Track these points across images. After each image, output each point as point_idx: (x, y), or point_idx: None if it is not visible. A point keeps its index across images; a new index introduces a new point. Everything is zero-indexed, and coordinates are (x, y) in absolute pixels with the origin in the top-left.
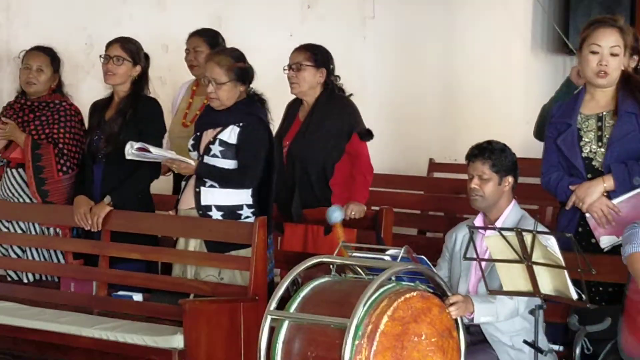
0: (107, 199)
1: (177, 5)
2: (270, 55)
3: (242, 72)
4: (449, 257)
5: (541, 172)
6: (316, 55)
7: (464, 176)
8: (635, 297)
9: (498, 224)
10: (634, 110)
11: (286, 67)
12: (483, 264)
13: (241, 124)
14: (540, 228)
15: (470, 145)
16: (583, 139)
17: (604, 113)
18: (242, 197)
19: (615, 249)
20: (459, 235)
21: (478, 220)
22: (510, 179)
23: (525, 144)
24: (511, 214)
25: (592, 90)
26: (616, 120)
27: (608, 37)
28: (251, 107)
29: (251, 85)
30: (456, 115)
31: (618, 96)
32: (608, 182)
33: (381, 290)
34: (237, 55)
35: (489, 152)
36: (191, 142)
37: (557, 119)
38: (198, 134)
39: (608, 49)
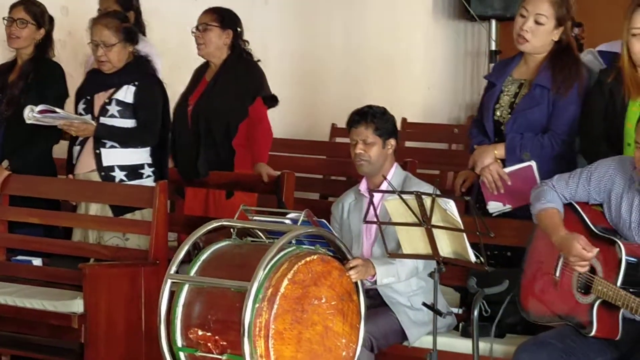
0: (5, 162)
1: None
2: (174, 20)
3: (130, 32)
4: (339, 227)
5: (469, 125)
6: (222, 17)
7: None
8: (535, 256)
9: (383, 187)
10: (547, 84)
11: (194, 29)
12: (372, 229)
13: (136, 83)
14: (434, 190)
15: None
16: (500, 101)
17: (525, 80)
18: (143, 156)
19: (505, 215)
20: (346, 203)
21: (362, 186)
22: (392, 141)
23: (426, 108)
24: (395, 176)
25: (526, 55)
26: (529, 90)
27: (538, 3)
28: (143, 67)
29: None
30: (359, 81)
31: (540, 66)
32: (499, 150)
33: (281, 253)
34: (122, 17)
35: (371, 116)
36: (82, 106)
37: (489, 76)
38: (88, 97)
39: (534, 16)
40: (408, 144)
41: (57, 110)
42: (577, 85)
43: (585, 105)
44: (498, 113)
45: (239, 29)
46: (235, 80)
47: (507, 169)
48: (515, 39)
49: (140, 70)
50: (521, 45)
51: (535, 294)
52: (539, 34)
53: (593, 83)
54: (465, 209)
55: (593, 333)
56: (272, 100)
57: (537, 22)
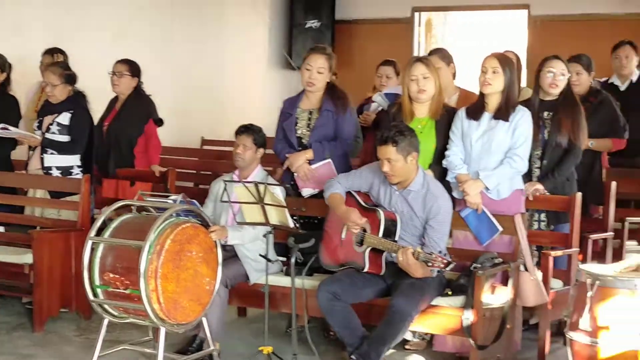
0: None
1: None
2: (93, 64)
3: (69, 77)
4: (214, 199)
5: (274, 142)
6: (132, 67)
7: (225, 148)
8: (330, 225)
9: (250, 179)
10: (332, 109)
11: (111, 72)
12: (236, 205)
13: (71, 111)
14: (271, 180)
15: (228, 128)
16: (298, 124)
17: (313, 109)
18: (73, 160)
19: (314, 196)
20: (221, 185)
21: (235, 176)
22: (261, 150)
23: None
24: (258, 173)
25: (308, 94)
26: (320, 115)
27: (316, 60)
28: (77, 100)
29: (76, 85)
30: (219, 108)
31: (323, 99)
32: (309, 154)
33: (166, 222)
34: (65, 66)
35: (252, 130)
36: (36, 124)
37: (285, 109)
38: (41, 118)
39: (316, 68)
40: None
41: (11, 128)
42: (349, 109)
43: (377, 127)
44: (299, 132)
45: (141, 75)
46: (136, 109)
47: (314, 166)
48: (305, 84)
49: (75, 103)
50: (310, 88)
51: (331, 250)
52: (321, 79)
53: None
54: (287, 193)
55: (366, 270)
56: (160, 121)
57: (318, 72)
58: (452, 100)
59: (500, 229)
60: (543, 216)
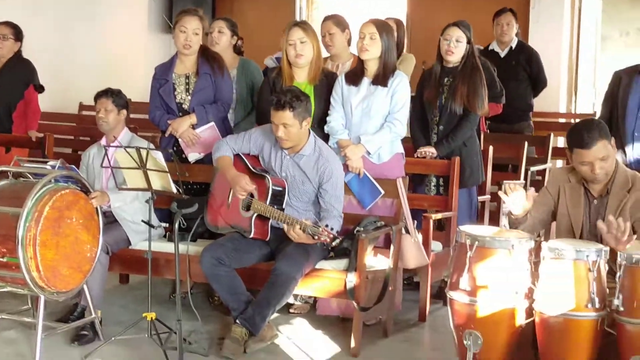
0: None
1: None
2: None
3: None
4: (85, 168)
5: (149, 110)
6: (16, 31)
7: None
8: (216, 187)
9: (115, 143)
10: (209, 72)
11: None
12: (108, 170)
13: None
14: (142, 143)
15: None
16: (176, 90)
17: (190, 73)
18: None
19: (199, 161)
20: (91, 152)
21: (103, 141)
22: (124, 111)
23: (143, 91)
24: (125, 135)
25: (181, 57)
26: (198, 78)
27: (191, 22)
28: None
29: None
30: (99, 74)
31: (198, 62)
32: (193, 119)
33: (44, 188)
34: None
35: (111, 93)
36: None
37: (158, 76)
38: None
39: (192, 30)
40: (134, 116)
41: None
42: (226, 71)
43: (258, 92)
44: (179, 97)
45: (23, 40)
46: (16, 73)
47: (198, 130)
48: (182, 47)
49: None
50: (186, 50)
51: (217, 212)
52: (196, 41)
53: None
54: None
55: (252, 235)
56: (41, 87)
57: (194, 34)
58: (346, 66)
59: (382, 192)
60: (442, 181)
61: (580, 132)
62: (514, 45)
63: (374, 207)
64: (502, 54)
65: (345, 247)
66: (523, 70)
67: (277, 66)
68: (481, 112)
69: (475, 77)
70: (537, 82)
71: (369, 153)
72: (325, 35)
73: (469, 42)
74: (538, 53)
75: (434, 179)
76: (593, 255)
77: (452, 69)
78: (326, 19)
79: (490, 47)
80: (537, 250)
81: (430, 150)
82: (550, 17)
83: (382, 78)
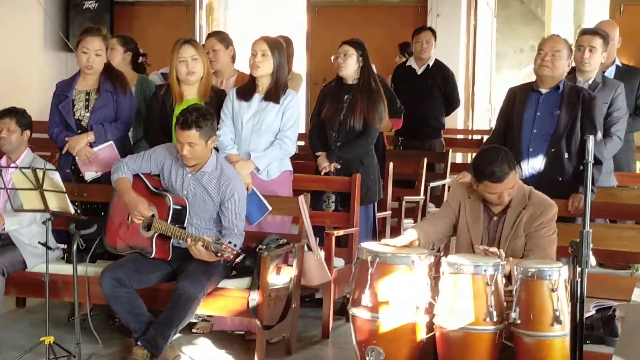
0: None
1: None
2: None
3: None
4: None
5: (49, 126)
6: None
7: None
8: (115, 207)
9: (17, 163)
10: (111, 89)
11: None
12: (9, 190)
13: None
14: (50, 167)
15: None
16: (75, 106)
17: (90, 90)
18: None
19: (97, 180)
20: None
21: (3, 161)
22: (27, 132)
23: (39, 110)
24: (26, 156)
25: (85, 75)
26: (98, 95)
27: (93, 42)
28: None
29: None
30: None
31: (100, 79)
32: (90, 136)
33: None
34: None
35: (15, 113)
36: None
37: (59, 91)
38: None
39: (94, 51)
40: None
41: None
42: (128, 89)
43: (147, 110)
44: (77, 114)
45: None
46: None
47: (96, 148)
48: (84, 68)
49: None
50: (89, 71)
51: (115, 233)
52: (99, 62)
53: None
54: (68, 178)
55: (153, 255)
56: None
57: (96, 55)
58: (230, 82)
59: (270, 208)
60: (340, 197)
61: (491, 167)
62: (431, 64)
63: (264, 223)
64: (419, 71)
65: (247, 265)
66: (438, 89)
67: (164, 83)
68: (381, 127)
69: (373, 93)
70: (451, 101)
71: (258, 169)
72: (209, 52)
73: (363, 58)
74: (454, 73)
75: (333, 196)
76: (491, 270)
77: (351, 85)
78: (210, 35)
79: (408, 64)
80: (437, 265)
81: (324, 164)
82: (447, 35)
83: (273, 94)
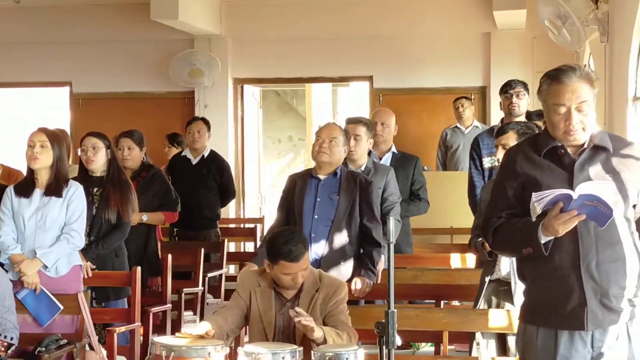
0: None
1: None
2: None
3: None
4: None
5: None
6: None
7: None
8: None
9: None
10: None
11: None
12: None
13: None
14: None
15: None
16: None
17: None
18: None
19: None
20: None
21: None
22: None
23: None
24: None
25: None
26: None
27: None
28: None
29: None
30: None
31: None
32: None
33: None
34: None
35: None
36: None
37: None
38: None
39: None
40: None
41: None
42: None
43: None
44: None
45: None
46: None
47: None
48: None
49: None
50: None
51: None
52: None
53: None
54: None
55: None
56: None
57: None
58: None
59: (61, 307)
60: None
61: (288, 246)
62: (206, 154)
63: (53, 324)
64: (194, 162)
65: None
66: (213, 179)
67: None
68: (154, 221)
69: (125, 185)
70: (227, 192)
71: (45, 267)
72: None
73: (110, 150)
74: (229, 164)
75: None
76: (288, 357)
77: (98, 178)
78: None
79: (183, 154)
80: (232, 355)
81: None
82: (216, 125)
83: (54, 188)
